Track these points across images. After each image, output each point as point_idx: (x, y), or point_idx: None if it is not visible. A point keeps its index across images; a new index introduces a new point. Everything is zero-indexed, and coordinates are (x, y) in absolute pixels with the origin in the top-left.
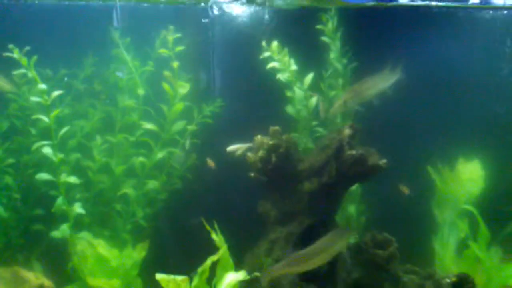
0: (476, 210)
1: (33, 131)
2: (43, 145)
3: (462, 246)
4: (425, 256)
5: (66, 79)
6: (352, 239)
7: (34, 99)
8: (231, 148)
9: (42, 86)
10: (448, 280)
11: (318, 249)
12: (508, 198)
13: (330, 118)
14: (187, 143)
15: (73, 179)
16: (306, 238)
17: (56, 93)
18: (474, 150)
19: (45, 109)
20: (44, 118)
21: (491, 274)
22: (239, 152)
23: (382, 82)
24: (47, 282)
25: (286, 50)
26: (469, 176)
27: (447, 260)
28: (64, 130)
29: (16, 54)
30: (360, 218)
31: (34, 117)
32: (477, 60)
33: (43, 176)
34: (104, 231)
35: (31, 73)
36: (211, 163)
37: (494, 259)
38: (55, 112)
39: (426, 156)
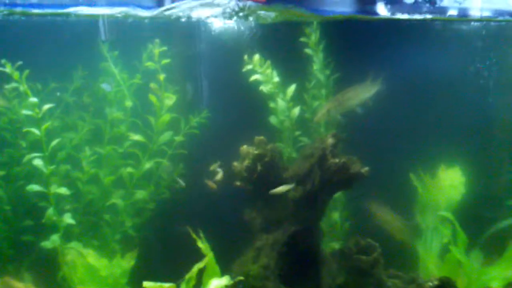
0: (457, 216)
1: (23, 143)
2: (34, 157)
3: (445, 251)
4: (408, 261)
5: (58, 94)
6: (337, 245)
7: (25, 112)
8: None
9: (34, 99)
10: (430, 284)
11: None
12: (489, 204)
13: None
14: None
15: (63, 190)
16: (291, 245)
17: (46, 106)
18: (455, 157)
19: (36, 122)
20: (35, 131)
21: (472, 278)
22: (218, 176)
23: (364, 92)
24: None
25: (268, 62)
26: (450, 182)
27: (430, 264)
28: (54, 142)
29: (8, 69)
30: (344, 224)
31: (25, 130)
32: (456, 70)
33: (34, 187)
34: (94, 241)
35: (23, 87)
36: (212, 185)
37: (475, 263)
38: (46, 125)
39: (408, 163)
